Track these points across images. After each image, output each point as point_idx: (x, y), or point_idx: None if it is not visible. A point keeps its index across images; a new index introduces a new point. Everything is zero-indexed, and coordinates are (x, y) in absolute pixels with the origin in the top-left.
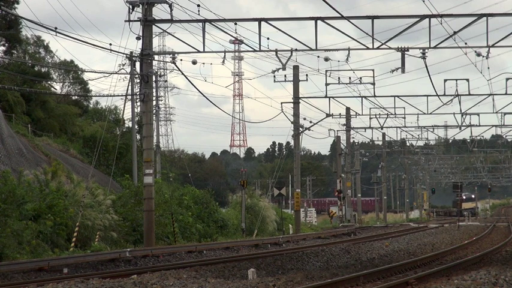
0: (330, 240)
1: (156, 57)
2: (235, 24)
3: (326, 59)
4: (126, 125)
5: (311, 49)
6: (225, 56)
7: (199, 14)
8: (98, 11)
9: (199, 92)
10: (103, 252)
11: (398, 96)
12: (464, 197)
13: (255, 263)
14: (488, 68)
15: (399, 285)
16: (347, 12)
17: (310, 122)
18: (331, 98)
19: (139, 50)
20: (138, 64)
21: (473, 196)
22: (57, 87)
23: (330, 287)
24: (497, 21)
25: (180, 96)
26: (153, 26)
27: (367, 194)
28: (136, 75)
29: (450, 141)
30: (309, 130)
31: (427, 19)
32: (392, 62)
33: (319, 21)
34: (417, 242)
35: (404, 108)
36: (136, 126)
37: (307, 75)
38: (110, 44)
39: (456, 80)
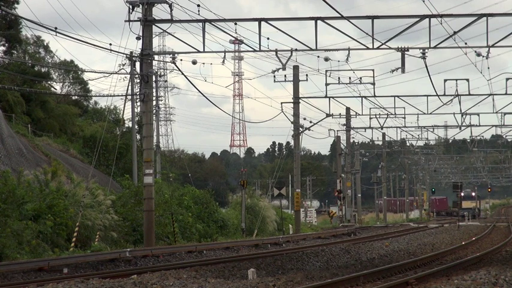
0: (330, 240)
1: (156, 57)
2: (235, 24)
3: (326, 59)
4: (126, 125)
5: (311, 49)
6: (225, 56)
7: (199, 14)
8: (98, 11)
9: (199, 92)
10: (103, 252)
11: (398, 96)
12: (462, 194)
13: (255, 263)
14: (488, 68)
15: (399, 285)
16: (347, 12)
17: (310, 122)
18: (331, 98)
19: (139, 50)
20: (138, 64)
21: (473, 194)
22: (57, 87)
23: (330, 287)
24: (497, 21)
25: (180, 96)
26: (153, 26)
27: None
28: (136, 75)
29: (450, 141)
30: (309, 130)
31: (427, 19)
32: (393, 62)
33: (319, 21)
34: (417, 242)
35: (404, 108)
36: (136, 126)
37: (307, 75)
38: (110, 44)
39: (456, 80)
